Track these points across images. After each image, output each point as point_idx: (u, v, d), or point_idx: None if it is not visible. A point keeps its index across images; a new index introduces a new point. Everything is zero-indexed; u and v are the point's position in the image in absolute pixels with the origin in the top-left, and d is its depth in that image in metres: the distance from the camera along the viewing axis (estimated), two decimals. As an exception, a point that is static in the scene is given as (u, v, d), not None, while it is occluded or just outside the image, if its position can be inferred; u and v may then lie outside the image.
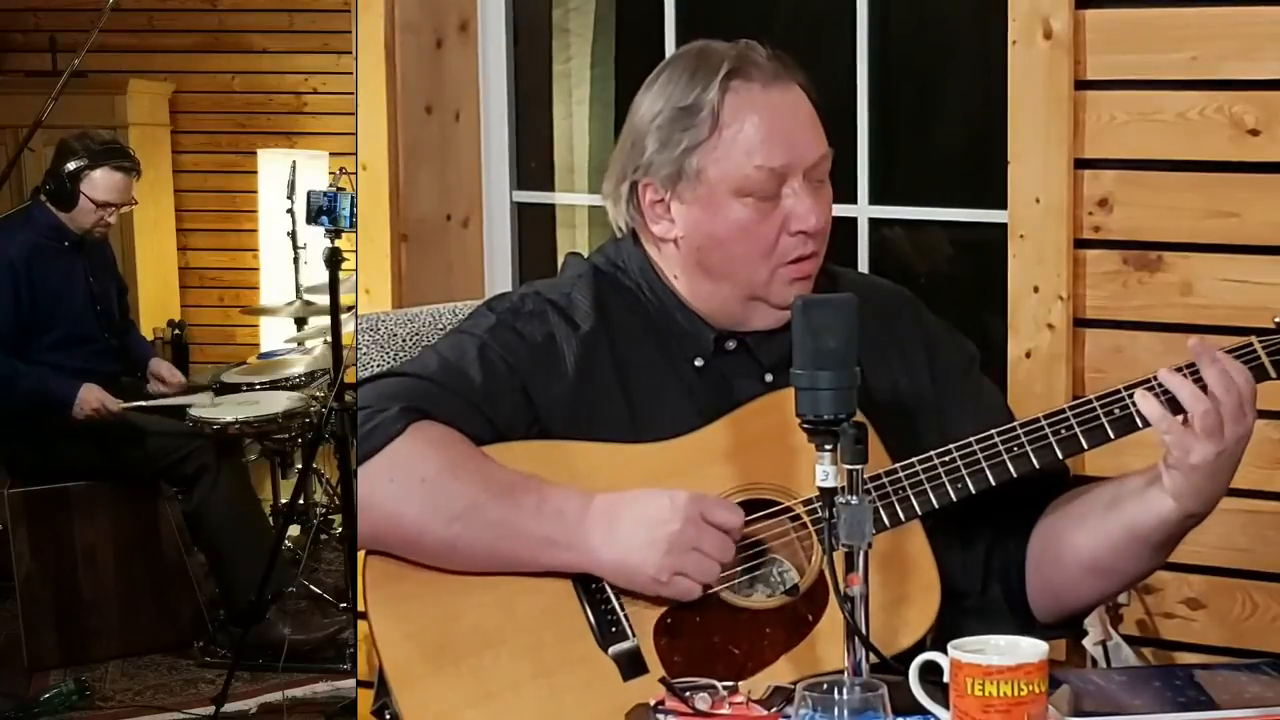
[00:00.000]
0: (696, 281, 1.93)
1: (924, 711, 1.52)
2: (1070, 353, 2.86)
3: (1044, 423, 1.80)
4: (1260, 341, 1.80)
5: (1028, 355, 2.89)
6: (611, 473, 1.82)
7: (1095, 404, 1.80)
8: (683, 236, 1.92)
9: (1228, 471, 1.76)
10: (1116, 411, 1.79)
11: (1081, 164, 2.84)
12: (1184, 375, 1.75)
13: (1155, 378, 1.78)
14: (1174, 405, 1.75)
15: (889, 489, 1.78)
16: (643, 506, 1.75)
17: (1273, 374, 1.80)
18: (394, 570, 1.81)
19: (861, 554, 1.53)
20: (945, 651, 1.48)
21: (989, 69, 3.03)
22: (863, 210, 3.31)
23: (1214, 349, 1.77)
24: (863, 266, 3.32)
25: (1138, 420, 1.78)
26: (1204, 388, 1.74)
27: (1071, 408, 1.80)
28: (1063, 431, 1.79)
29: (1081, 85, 2.83)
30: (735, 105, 1.87)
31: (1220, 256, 2.76)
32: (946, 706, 1.48)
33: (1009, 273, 2.92)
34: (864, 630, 1.53)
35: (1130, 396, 1.78)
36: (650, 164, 1.91)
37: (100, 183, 4.43)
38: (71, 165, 4.40)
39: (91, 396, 4.30)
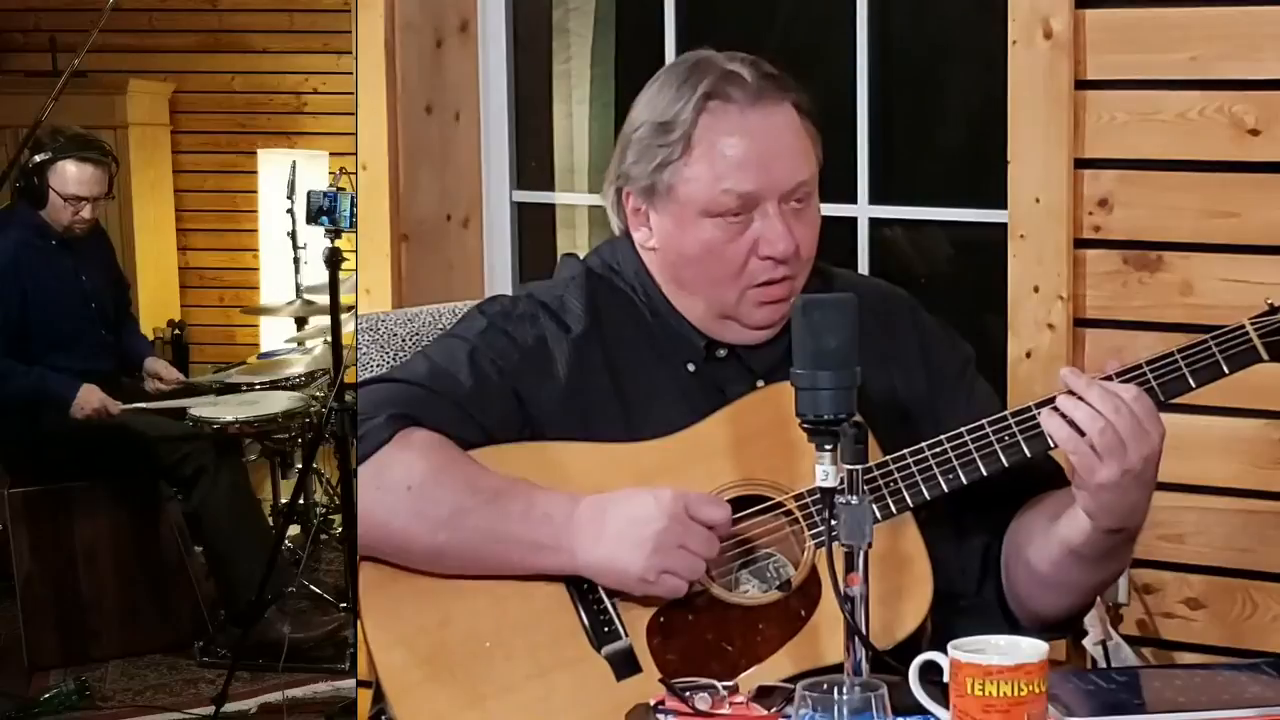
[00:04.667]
0: (675, 291, 1.94)
1: (924, 711, 1.52)
2: (1070, 353, 2.86)
3: (1037, 412, 1.79)
4: (1253, 324, 1.79)
5: (1028, 355, 2.89)
6: (604, 473, 1.82)
7: None
8: (658, 248, 1.93)
9: (1138, 490, 1.73)
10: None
11: (1081, 164, 2.84)
12: (1077, 398, 1.73)
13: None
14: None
15: (880, 481, 1.78)
16: (628, 506, 1.75)
17: (1265, 356, 1.78)
18: (387, 576, 1.81)
19: (861, 554, 1.53)
20: (945, 651, 1.48)
21: (989, 69, 3.03)
22: (863, 210, 3.31)
23: (1089, 377, 1.74)
24: (863, 267, 3.32)
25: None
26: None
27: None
28: None
29: (1081, 85, 2.83)
30: (709, 126, 1.86)
31: (1220, 256, 2.76)
32: (946, 706, 1.48)
33: (1009, 273, 2.92)
34: (865, 631, 1.53)
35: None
36: (629, 174, 1.92)
37: (67, 176, 4.30)
38: (37, 158, 4.27)
39: (92, 397, 4.25)
